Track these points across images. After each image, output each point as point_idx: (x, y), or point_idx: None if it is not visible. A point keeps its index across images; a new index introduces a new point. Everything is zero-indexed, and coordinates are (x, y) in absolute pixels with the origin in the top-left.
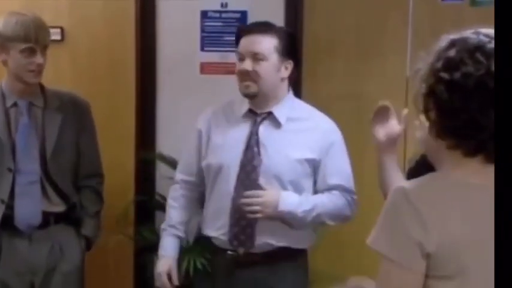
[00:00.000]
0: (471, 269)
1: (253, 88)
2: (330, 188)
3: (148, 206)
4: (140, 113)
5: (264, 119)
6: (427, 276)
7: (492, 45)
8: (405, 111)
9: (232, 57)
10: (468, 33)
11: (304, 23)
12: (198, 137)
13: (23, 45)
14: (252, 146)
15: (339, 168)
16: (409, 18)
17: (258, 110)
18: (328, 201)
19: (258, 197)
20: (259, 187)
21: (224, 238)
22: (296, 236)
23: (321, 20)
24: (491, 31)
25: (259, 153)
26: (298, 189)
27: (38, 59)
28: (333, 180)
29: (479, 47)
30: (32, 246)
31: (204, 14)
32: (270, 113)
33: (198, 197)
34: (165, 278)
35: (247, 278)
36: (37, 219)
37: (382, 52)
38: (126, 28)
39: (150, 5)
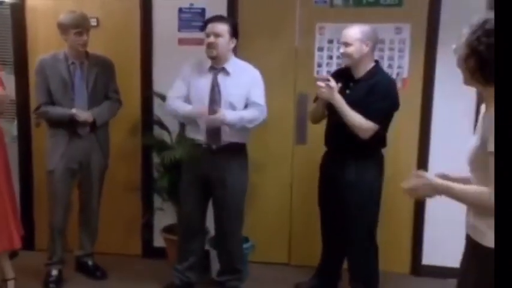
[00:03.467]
0: None
1: (214, 52)
2: (251, 104)
3: (148, 122)
4: (144, 66)
5: (219, 71)
6: None
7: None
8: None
9: (196, 35)
10: (484, 17)
11: (239, 14)
12: (184, 76)
13: (76, 30)
14: (214, 86)
15: (254, 93)
16: (296, 13)
17: (216, 66)
18: (246, 112)
19: (217, 115)
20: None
21: (202, 139)
22: (239, 136)
23: (248, 12)
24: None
25: (219, 91)
26: (239, 108)
27: (84, 37)
28: (251, 100)
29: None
30: (84, 143)
31: (180, 10)
32: (223, 68)
33: None
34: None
35: (214, 159)
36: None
37: (280, 32)
38: (133, 19)
39: (148, 4)
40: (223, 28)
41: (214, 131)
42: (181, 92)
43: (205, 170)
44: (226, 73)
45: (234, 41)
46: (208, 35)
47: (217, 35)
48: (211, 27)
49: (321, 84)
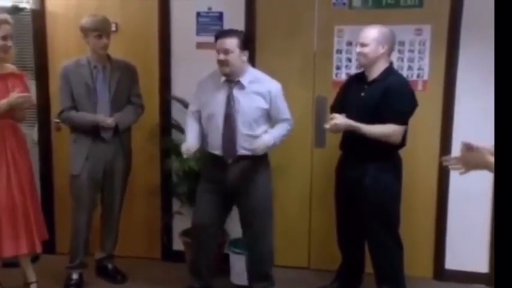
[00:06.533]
0: None
1: (227, 70)
2: (280, 121)
3: (167, 127)
4: (163, 70)
5: (235, 84)
6: None
7: None
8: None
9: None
10: None
11: (257, 17)
12: (197, 91)
13: (95, 33)
14: (230, 101)
15: (280, 108)
16: (315, 16)
17: (231, 79)
18: (279, 130)
19: (258, 143)
20: (236, 127)
21: (220, 153)
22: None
23: (266, 15)
24: None
25: (234, 105)
26: (257, 123)
27: (103, 40)
28: (280, 117)
29: None
30: (108, 147)
31: (198, 14)
32: (238, 81)
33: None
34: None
35: (234, 169)
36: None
37: (299, 35)
38: (152, 20)
39: (166, 9)
40: (231, 43)
41: (229, 146)
42: (194, 107)
43: (227, 181)
44: (242, 86)
45: (246, 53)
46: (218, 52)
47: (226, 52)
48: (219, 43)
49: (327, 126)
